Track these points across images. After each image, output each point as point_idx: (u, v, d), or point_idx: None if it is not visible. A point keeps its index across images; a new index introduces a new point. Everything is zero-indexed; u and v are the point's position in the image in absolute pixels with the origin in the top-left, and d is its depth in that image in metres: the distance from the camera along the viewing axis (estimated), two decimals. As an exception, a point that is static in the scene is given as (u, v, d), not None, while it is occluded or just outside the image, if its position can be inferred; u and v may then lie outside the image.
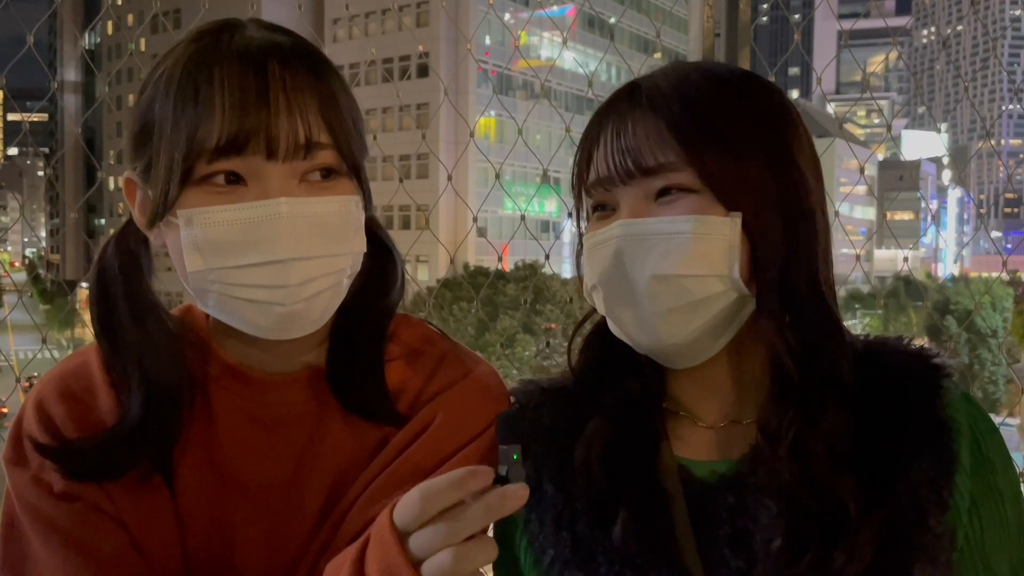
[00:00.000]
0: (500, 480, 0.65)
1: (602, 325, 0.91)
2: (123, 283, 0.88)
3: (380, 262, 0.94)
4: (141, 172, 0.84)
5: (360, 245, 0.87)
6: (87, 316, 0.91)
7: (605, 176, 0.84)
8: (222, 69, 0.79)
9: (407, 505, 0.65)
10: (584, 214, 0.91)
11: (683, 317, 0.81)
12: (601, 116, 0.88)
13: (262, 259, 0.79)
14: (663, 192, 0.82)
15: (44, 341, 1.72)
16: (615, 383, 0.89)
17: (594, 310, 0.92)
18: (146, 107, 0.83)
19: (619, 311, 0.84)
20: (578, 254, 0.93)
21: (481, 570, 0.66)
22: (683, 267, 0.79)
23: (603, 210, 0.86)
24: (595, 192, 0.86)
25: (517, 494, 0.64)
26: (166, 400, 0.86)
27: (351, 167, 0.85)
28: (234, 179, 0.80)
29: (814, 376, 0.79)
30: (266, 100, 0.78)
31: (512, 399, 0.95)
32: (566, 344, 0.96)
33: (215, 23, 0.85)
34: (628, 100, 0.85)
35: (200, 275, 0.81)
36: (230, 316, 0.84)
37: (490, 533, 0.68)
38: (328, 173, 0.83)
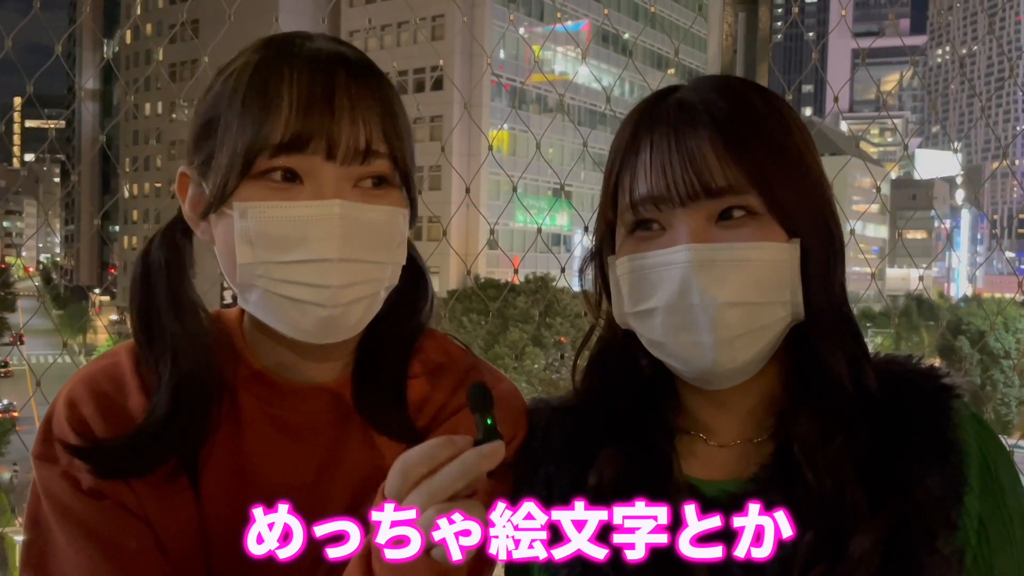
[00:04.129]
0: None
1: (609, 345, 0.91)
2: (166, 276, 0.90)
3: (412, 279, 0.95)
4: (199, 166, 0.86)
5: (401, 257, 0.89)
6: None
7: (661, 194, 0.80)
8: (292, 71, 0.82)
9: (391, 476, 0.70)
10: (596, 227, 0.89)
11: (747, 343, 0.79)
12: (643, 126, 0.83)
13: (309, 256, 0.81)
14: (725, 214, 0.79)
15: (64, 345, 1.75)
16: (625, 405, 0.88)
17: (592, 328, 0.92)
18: (211, 104, 0.85)
19: (679, 336, 0.80)
20: (583, 269, 0.92)
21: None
22: (757, 294, 0.78)
23: (646, 228, 0.83)
24: (642, 209, 0.82)
25: (493, 451, 0.68)
26: (195, 397, 0.87)
27: (403, 178, 0.87)
28: (291, 177, 0.82)
29: (849, 390, 0.81)
30: (331, 104, 0.81)
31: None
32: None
33: (284, 34, 0.88)
34: (680, 113, 0.81)
35: (248, 268, 0.83)
36: (271, 314, 0.85)
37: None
38: (380, 182, 0.85)
